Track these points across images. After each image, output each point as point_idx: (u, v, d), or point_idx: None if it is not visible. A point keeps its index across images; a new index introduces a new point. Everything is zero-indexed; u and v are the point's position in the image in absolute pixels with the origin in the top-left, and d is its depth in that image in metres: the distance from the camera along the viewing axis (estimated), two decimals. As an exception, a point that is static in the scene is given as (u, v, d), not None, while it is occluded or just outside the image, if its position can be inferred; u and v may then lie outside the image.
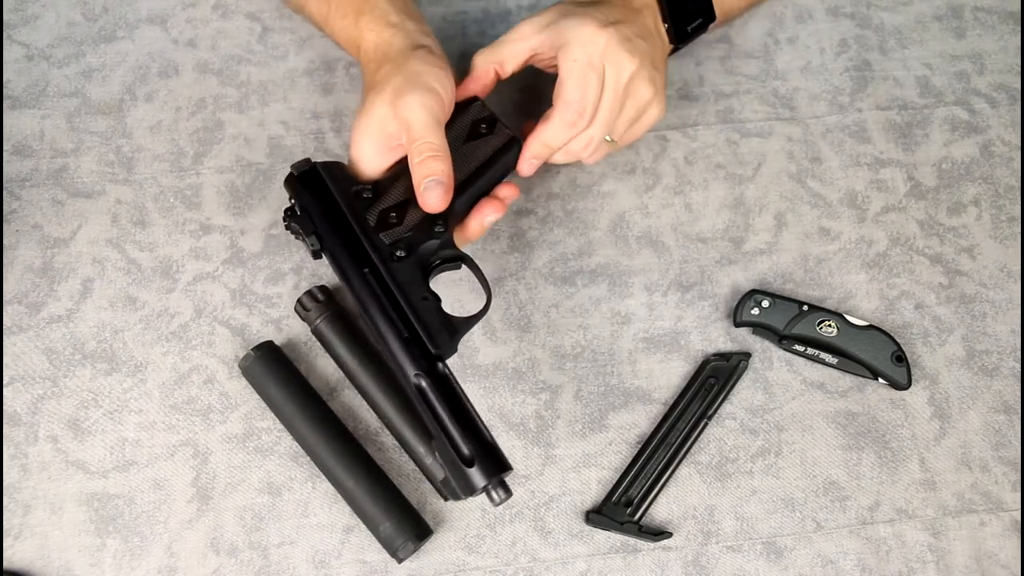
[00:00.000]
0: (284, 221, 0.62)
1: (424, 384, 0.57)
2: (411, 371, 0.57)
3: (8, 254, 0.71)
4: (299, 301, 0.68)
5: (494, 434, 0.57)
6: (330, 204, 0.62)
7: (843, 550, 0.65)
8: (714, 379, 0.68)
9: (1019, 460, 0.67)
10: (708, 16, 0.70)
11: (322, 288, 0.68)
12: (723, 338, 0.70)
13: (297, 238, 0.62)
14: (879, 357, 0.68)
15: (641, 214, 0.73)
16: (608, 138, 0.65)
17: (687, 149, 0.75)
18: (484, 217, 0.63)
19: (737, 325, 0.69)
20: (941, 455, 0.68)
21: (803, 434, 0.68)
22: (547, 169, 0.74)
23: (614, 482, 0.66)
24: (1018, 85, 0.78)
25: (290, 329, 0.70)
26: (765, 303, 0.69)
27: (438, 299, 0.59)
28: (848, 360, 0.68)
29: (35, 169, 0.74)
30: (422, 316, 0.58)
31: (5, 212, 0.72)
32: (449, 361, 0.59)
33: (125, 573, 0.64)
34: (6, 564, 0.64)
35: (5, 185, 0.73)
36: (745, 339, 0.70)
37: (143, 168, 0.74)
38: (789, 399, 0.69)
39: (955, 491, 0.67)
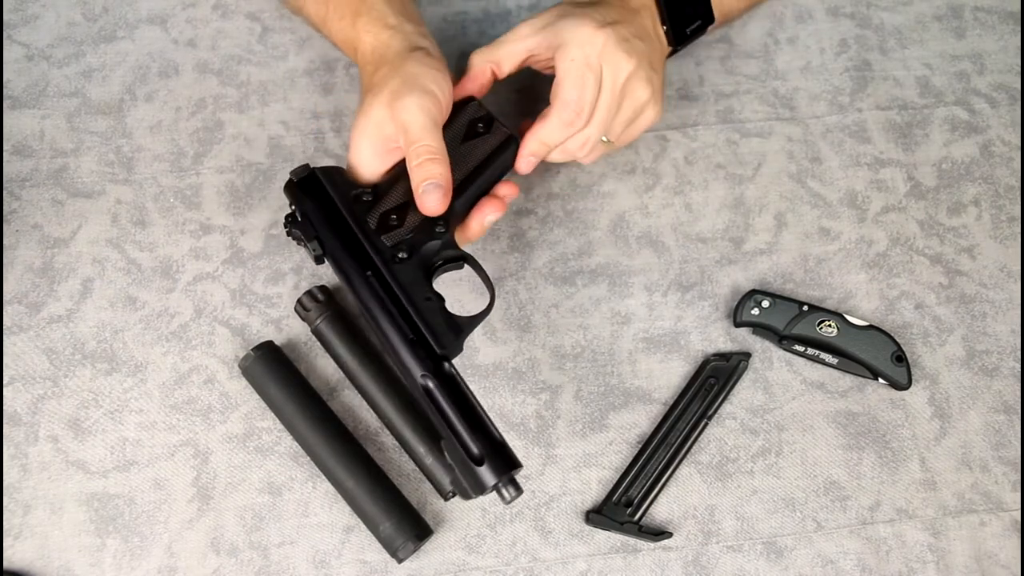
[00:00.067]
0: (285, 227, 0.62)
1: (431, 385, 0.57)
2: (418, 372, 0.57)
3: (8, 254, 0.71)
4: (299, 301, 0.68)
5: (496, 434, 0.57)
6: (330, 209, 0.62)
7: (843, 550, 0.65)
8: (714, 379, 0.68)
9: (1019, 460, 0.67)
10: (707, 18, 0.70)
11: (322, 288, 0.68)
12: (723, 338, 0.70)
13: (299, 244, 0.62)
14: (879, 357, 0.68)
15: (641, 214, 0.73)
16: (605, 138, 0.65)
17: (687, 149, 0.75)
18: (484, 216, 0.63)
19: (737, 325, 0.69)
20: (941, 455, 0.68)
21: (803, 434, 0.68)
22: (547, 169, 0.74)
23: (614, 482, 0.66)
24: (1018, 85, 0.78)
25: (290, 329, 0.70)
26: (765, 303, 0.69)
27: (441, 299, 0.59)
28: (848, 360, 0.68)
29: (35, 169, 0.74)
30: (426, 317, 0.58)
31: (5, 212, 0.72)
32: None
33: (125, 573, 0.64)
34: (6, 564, 0.64)
35: (5, 185, 0.73)
36: (745, 339, 0.70)
37: (143, 168, 0.74)
38: (789, 399, 0.69)
39: (955, 491, 0.67)
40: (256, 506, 0.65)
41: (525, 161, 0.65)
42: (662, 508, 0.66)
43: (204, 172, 0.74)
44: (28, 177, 0.73)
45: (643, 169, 0.75)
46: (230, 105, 0.76)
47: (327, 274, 0.71)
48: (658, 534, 0.65)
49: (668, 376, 0.69)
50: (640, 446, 0.67)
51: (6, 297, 0.70)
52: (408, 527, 0.63)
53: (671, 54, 0.70)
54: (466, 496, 0.56)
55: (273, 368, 0.66)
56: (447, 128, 0.62)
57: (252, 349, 0.66)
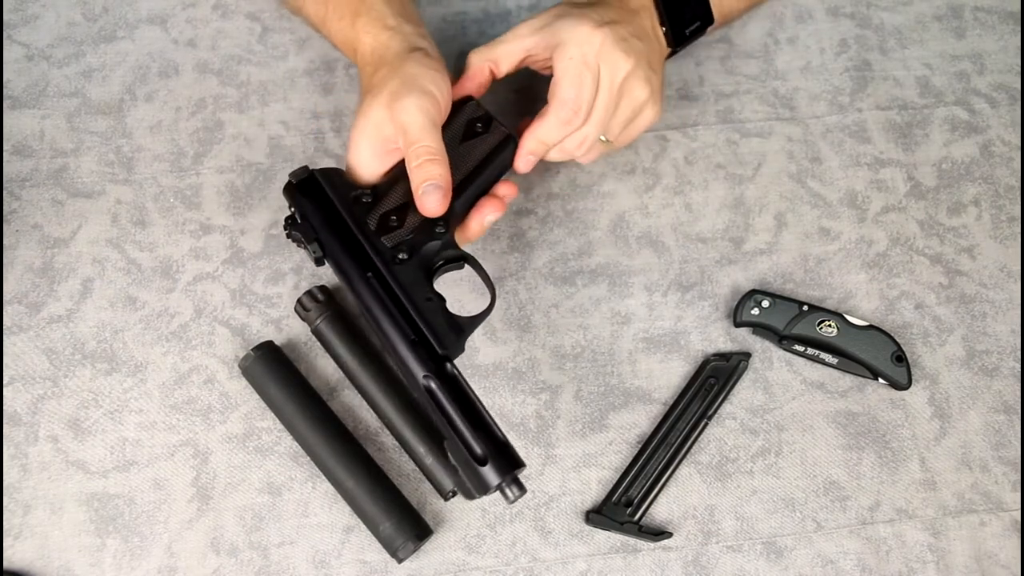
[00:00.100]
0: (285, 230, 0.62)
1: (434, 385, 0.57)
2: (420, 373, 0.57)
3: (8, 254, 0.71)
4: (299, 301, 0.68)
5: (498, 433, 0.57)
6: (330, 210, 0.62)
7: (843, 550, 0.65)
8: (714, 379, 0.68)
9: (1019, 460, 0.67)
10: (706, 19, 0.70)
11: (322, 288, 0.68)
12: (723, 338, 0.70)
13: (299, 246, 0.62)
14: (879, 357, 0.68)
15: (641, 214, 0.73)
16: (603, 138, 0.65)
17: (687, 149, 0.75)
18: (484, 217, 0.63)
19: (737, 325, 0.69)
20: (941, 455, 0.68)
21: (803, 434, 0.68)
22: (547, 169, 0.74)
23: (614, 482, 0.66)
24: (1018, 85, 0.78)
25: (290, 329, 0.70)
26: (765, 303, 0.69)
27: (442, 300, 0.59)
28: (848, 360, 0.68)
29: (35, 169, 0.74)
30: (428, 317, 0.58)
31: (5, 212, 0.72)
32: (449, 361, 0.59)
33: (125, 573, 0.64)
34: (6, 564, 0.64)
35: (5, 185, 0.73)
36: (745, 339, 0.70)
37: (143, 168, 0.74)
38: (789, 399, 0.69)
39: (955, 491, 0.67)
40: (256, 506, 0.65)
41: (524, 160, 0.65)
42: (662, 508, 0.66)
43: (204, 172, 0.74)
44: (28, 177, 0.73)
45: (643, 169, 0.75)
46: (230, 105, 0.76)
47: (327, 274, 0.71)
48: (658, 534, 0.65)
49: (668, 376, 0.69)
50: (640, 446, 0.67)
51: (6, 297, 0.70)
52: (408, 527, 0.63)
53: (671, 55, 0.70)
54: (470, 496, 0.56)
55: (273, 368, 0.66)
56: (446, 128, 0.62)
57: (252, 349, 0.66)
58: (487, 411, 0.57)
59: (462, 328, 0.59)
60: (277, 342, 0.68)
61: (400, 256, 0.60)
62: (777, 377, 0.69)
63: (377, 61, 0.64)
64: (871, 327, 0.68)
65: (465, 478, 0.56)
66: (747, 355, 0.69)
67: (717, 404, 0.67)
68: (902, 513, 0.66)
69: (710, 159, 0.75)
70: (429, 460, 0.64)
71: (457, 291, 0.70)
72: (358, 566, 0.64)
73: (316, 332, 0.68)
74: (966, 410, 0.69)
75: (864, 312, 0.71)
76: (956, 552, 0.65)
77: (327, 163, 0.74)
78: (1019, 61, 0.79)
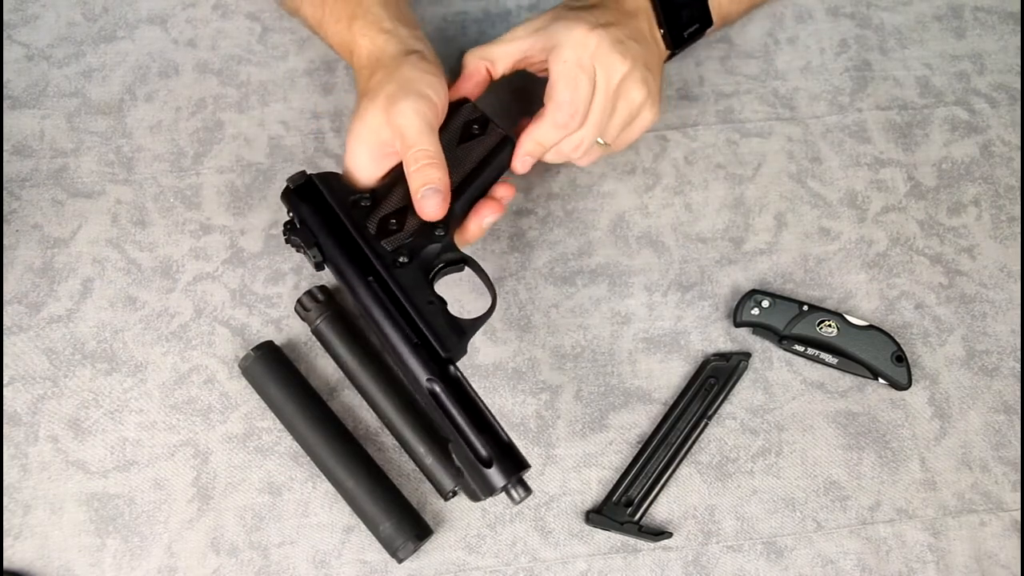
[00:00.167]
0: (284, 235, 0.62)
1: (437, 388, 0.57)
2: (423, 376, 0.57)
3: (8, 254, 0.71)
4: (299, 301, 0.68)
5: (499, 434, 0.57)
6: (329, 215, 0.61)
7: (843, 550, 0.65)
8: (714, 379, 0.68)
9: (1019, 460, 0.67)
10: (705, 22, 0.70)
11: (322, 288, 0.68)
12: (723, 338, 0.70)
13: (299, 251, 0.62)
14: (879, 357, 0.68)
15: (641, 214, 0.73)
16: (601, 141, 0.65)
17: (687, 149, 0.75)
18: (483, 219, 0.63)
19: (737, 325, 0.69)
20: (941, 455, 0.68)
21: (803, 434, 0.68)
22: (547, 169, 0.74)
23: (614, 482, 0.66)
24: (1018, 85, 0.78)
25: (290, 329, 0.70)
26: (765, 303, 0.69)
27: (443, 302, 0.59)
28: (848, 360, 0.68)
29: (35, 169, 0.74)
30: (429, 320, 0.58)
31: (5, 212, 0.72)
32: (450, 361, 0.59)
33: (125, 573, 0.64)
34: (6, 564, 0.64)
35: (5, 185, 0.73)
36: (745, 339, 0.70)
37: (143, 168, 0.74)
38: (789, 399, 0.69)
39: (955, 491, 0.67)
40: (256, 506, 0.65)
41: (521, 161, 0.65)
42: (662, 508, 0.66)
43: (204, 172, 0.74)
44: (28, 177, 0.73)
45: (643, 169, 0.75)
46: (230, 105, 0.76)
47: (327, 275, 0.71)
48: (658, 534, 0.65)
49: (668, 376, 0.69)
50: (640, 446, 0.67)
51: (6, 297, 0.70)
52: (408, 527, 0.63)
53: (669, 58, 0.70)
54: (475, 498, 0.56)
55: (273, 368, 0.66)
56: (443, 131, 0.62)
57: (252, 349, 0.66)
58: (491, 413, 0.57)
59: (464, 330, 0.59)
60: (277, 342, 0.68)
61: (400, 259, 0.60)
62: (777, 377, 0.69)
63: (373, 64, 0.64)
64: (871, 327, 0.68)
65: (470, 480, 0.56)
66: (747, 355, 0.69)
67: (717, 404, 0.67)
68: (902, 513, 0.66)
69: (710, 159, 0.75)
70: (429, 460, 0.64)
71: (458, 292, 0.70)
72: (358, 566, 0.64)
73: (316, 332, 0.68)
74: (966, 410, 0.69)
75: (864, 312, 0.71)
76: (956, 552, 0.65)
77: (327, 163, 0.74)
78: (1019, 61, 0.79)
